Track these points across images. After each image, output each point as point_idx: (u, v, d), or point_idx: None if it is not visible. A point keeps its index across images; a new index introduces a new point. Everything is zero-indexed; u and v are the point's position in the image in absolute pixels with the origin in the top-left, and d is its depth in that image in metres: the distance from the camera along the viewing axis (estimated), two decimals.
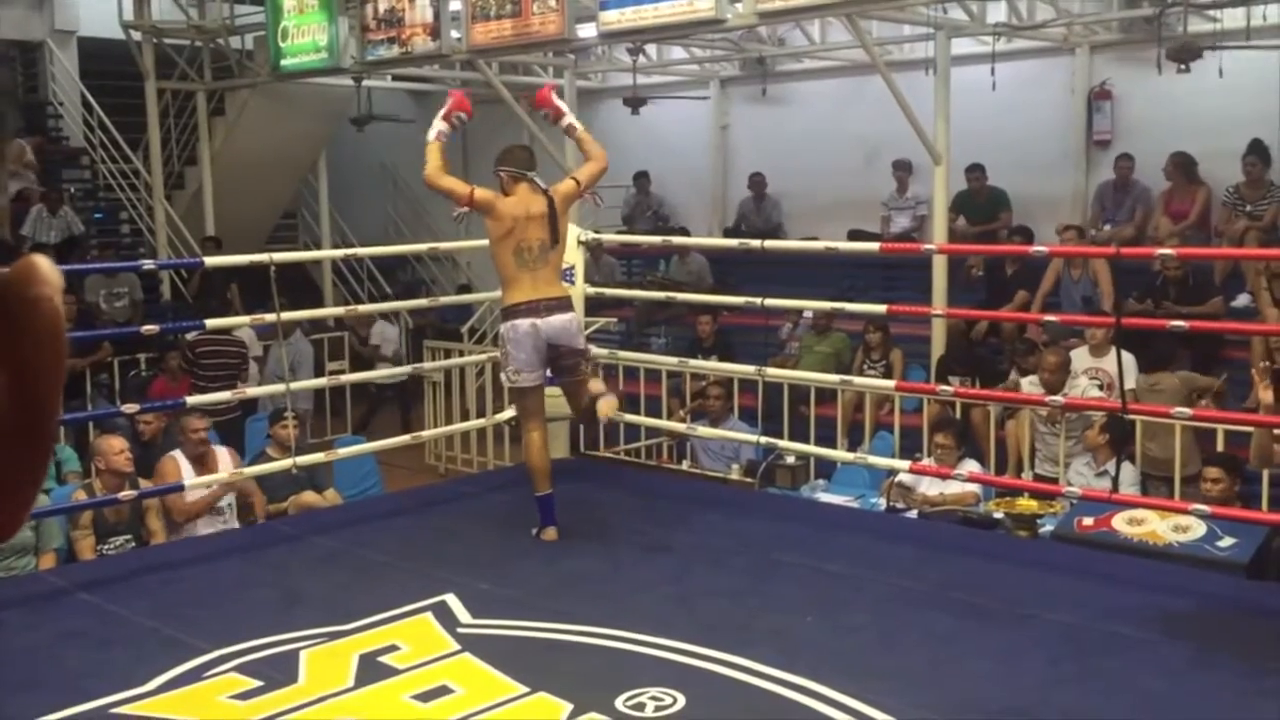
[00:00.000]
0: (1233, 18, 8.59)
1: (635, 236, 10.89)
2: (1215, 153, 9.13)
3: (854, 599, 4.34)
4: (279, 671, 3.71)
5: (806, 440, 7.15)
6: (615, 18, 8.27)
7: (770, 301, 6.11)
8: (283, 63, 10.69)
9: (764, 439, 6.25)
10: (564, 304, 5.01)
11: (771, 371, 6.75)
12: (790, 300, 7.13)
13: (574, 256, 6.06)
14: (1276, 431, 4.72)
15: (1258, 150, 8.78)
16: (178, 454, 6.07)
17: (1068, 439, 6.93)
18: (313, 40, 10.32)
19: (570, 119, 5.36)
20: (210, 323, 5.65)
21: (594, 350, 6.34)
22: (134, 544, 5.74)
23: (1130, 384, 6.93)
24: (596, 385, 5.06)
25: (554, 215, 4.93)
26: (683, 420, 7.90)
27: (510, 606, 4.22)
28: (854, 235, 10.62)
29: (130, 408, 5.21)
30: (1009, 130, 10.00)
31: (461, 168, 14.75)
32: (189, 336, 8.82)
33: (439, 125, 5.13)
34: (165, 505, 5.91)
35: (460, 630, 4.02)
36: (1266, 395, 4.36)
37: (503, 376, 5.17)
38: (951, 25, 8.85)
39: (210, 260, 6.23)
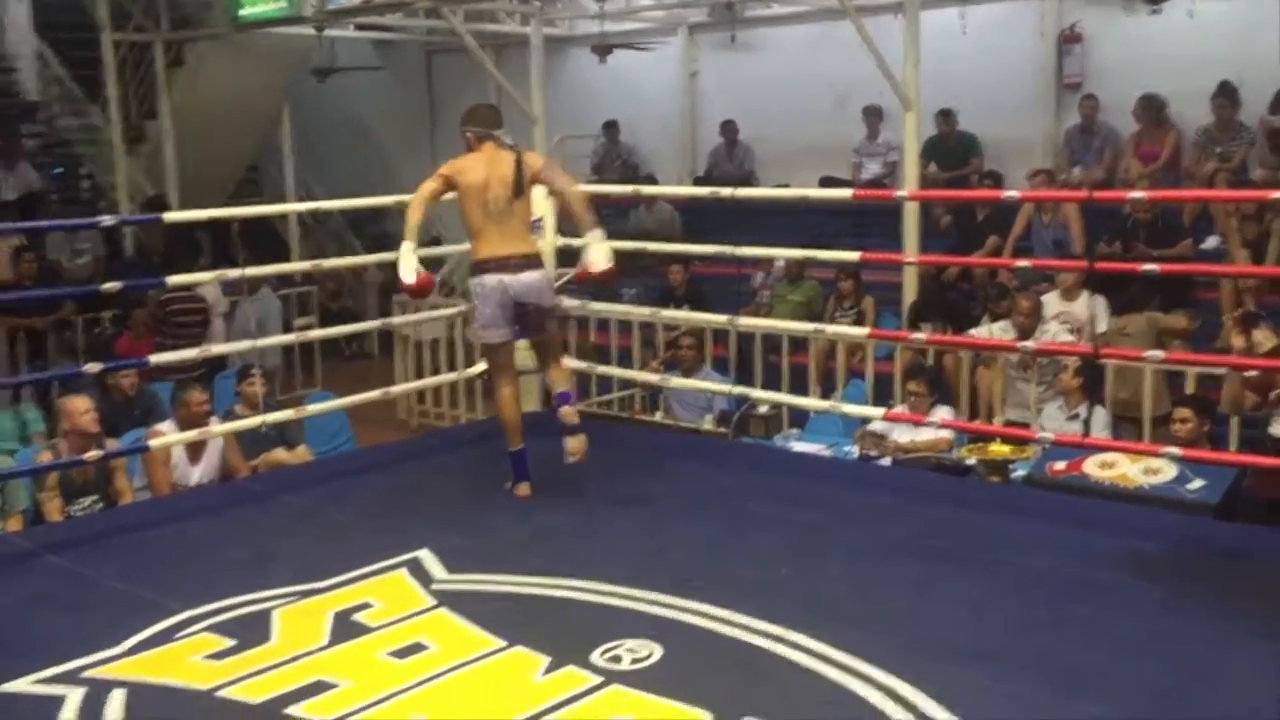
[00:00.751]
0: None
1: (605, 187, 10.78)
2: (1185, 94, 9.11)
3: (828, 548, 4.35)
4: (252, 631, 3.68)
5: (779, 389, 7.14)
6: None
7: (742, 250, 6.06)
8: (241, 12, 10.46)
9: (737, 389, 6.23)
10: (533, 261, 4.94)
11: (744, 321, 6.73)
12: (762, 249, 7.08)
13: (543, 208, 5.98)
14: (1248, 376, 4.73)
15: (1226, 92, 8.77)
16: (168, 427, 5.94)
17: (1039, 384, 6.95)
18: None
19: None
20: (171, 279, 5.54)
21: (566, 302, 6.29)
22: (102, 505, 5.68)
23: (1102, 327, 6.95)
24: (569, 416, 4.90)
25: (519, 172, 4.84)
26: (655, 371, 7.88)
27: (485, 561, 4.20)
28: (825, 182, 10.56)
29: (94, 367, 5.12)
30: (979, 75, 9.95)
31: (429, 118, 14.61)
32: (160, 295, 8.71)
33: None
34: (149, 481, 5.85)
35: (435, 586, 3.99)
36: (1240, 341, 4.37)
37: (470, 332, 5.12)
38: None
39: (169, 216, 6.10)
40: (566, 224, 7.13)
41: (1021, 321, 7.14)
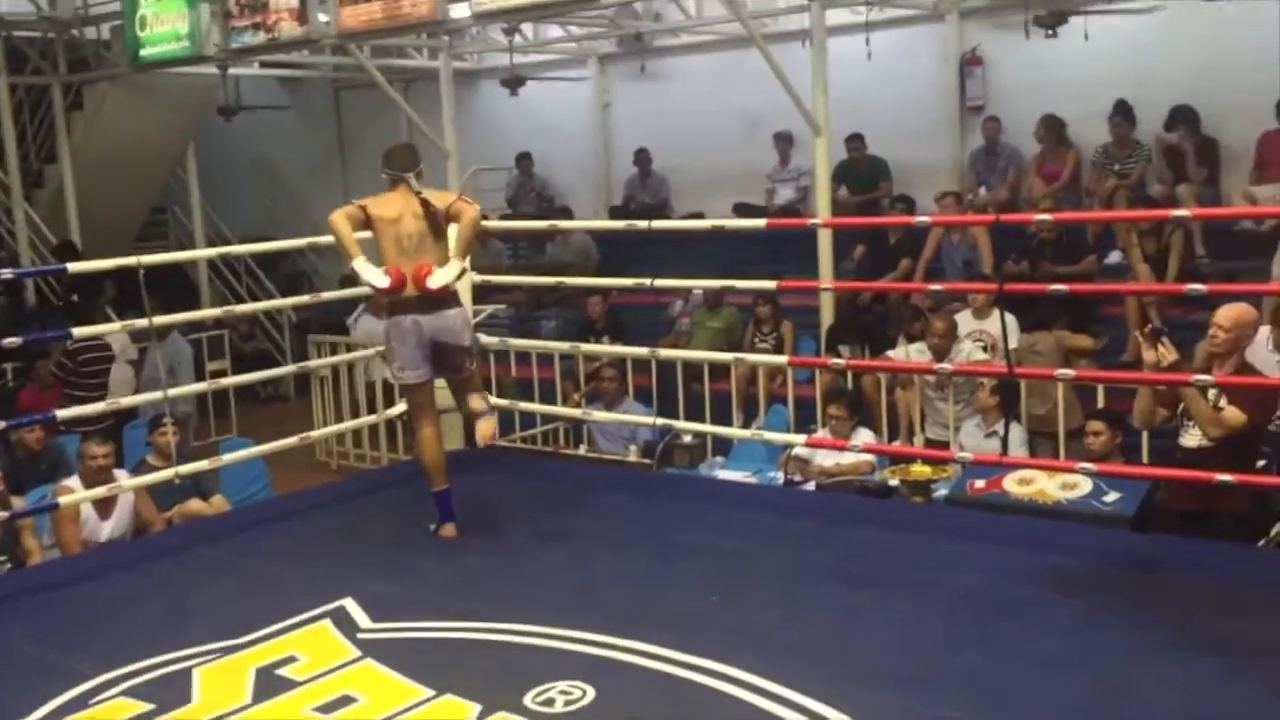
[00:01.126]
0: None
1: (520, 222, 10.77)
2: (1083, 115, 9.38)
3: (756, 576, 4.36)
4: (171, 692, 3.57)
5: (702, 418, 7.15)
6: None
7: (660, 282, 6.08)
8: (142, 53, 10.26)
9: (660, 420, 6.23)
10: (449, 300, 4.89)
11: (665, 352, 6.74)
12: (679, 280, 7.11)
13: None
14: (1158, 390, 4.85)
15: (1122, 110, 9.04)
16: (75, 483, 5.76)
17: (956, 403, 7.06)
18: (173, 29, 9.91)
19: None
20: (77, 331, 5.39)
21: (485, 339, 6.24)
22: (10, 565, 5.48)
23: (1014, 344, 7.09)
24: (476, 403, 4.90)
25: (430, 213, 4.80)
26: (577, 404, 7.85)
27: (411, 607, 4.13)
28: (739, 208, 10.66)
29: None
30: (886, 99, 10.13)
31: (339, 155, 14.47)
32: (68, 345, 8.46)
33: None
34: (58, 540, 5.66)
35: (360, 636, 3.91)
36: (1151, 355, 4.47)
37: (388, 372, 5.06)
38: None
39: (74, 266, 5.94)
40: (483, 259, 7.12)
41: (936, 343, 7.26)
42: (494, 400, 6.10)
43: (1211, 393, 4.54)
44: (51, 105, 12.06)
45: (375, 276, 4.78)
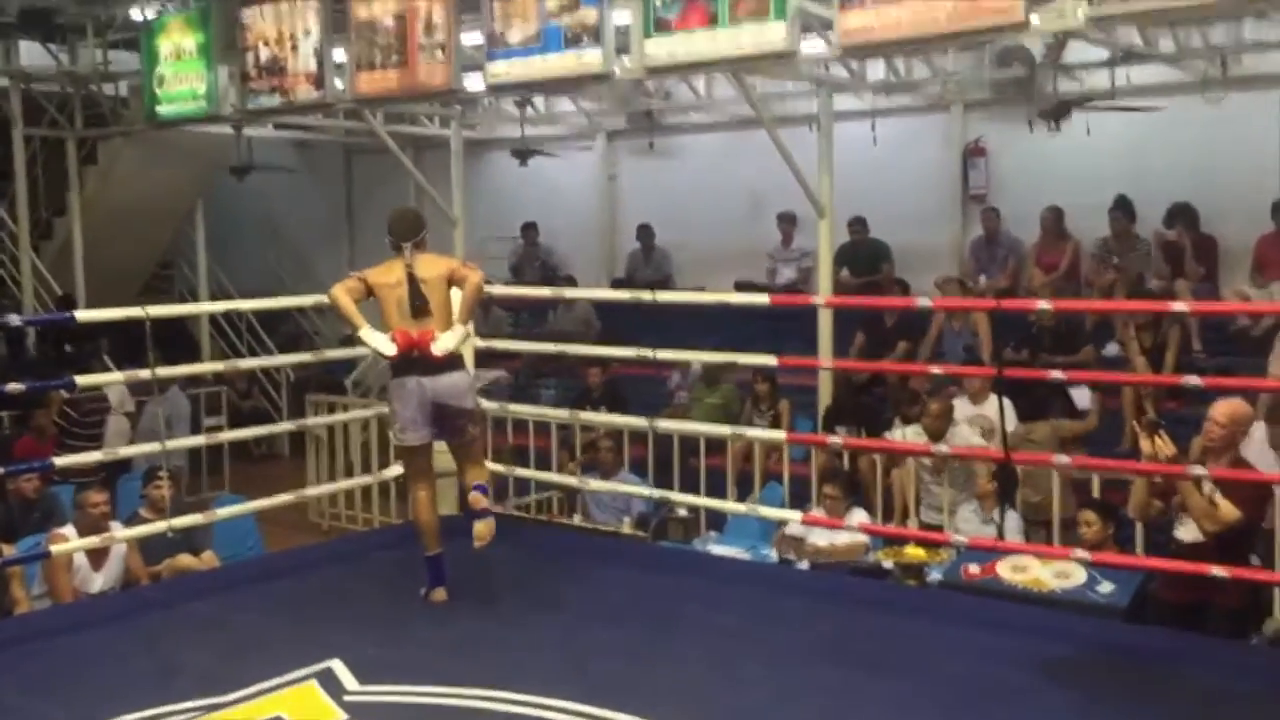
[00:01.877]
0: (1098, 79, 8.98)
1: (525, 289, 10.85)
2: (1083, 207, 9.50)
3: (748, 653, 4.33)
4: None
5: (697, 492, 7.14)
6: (503, 69, 8.25)
7: (662, 353, 6.11)
8: (159, 110, 10.40)
9: (656, 492, 6.23)
10: (452, 363, 4.92)
11: (663, 424, 6.75)
12: (680, 352, 7.15)
13: None
14: (1154, 482, 4.87)
15: (1122, 205, 9.16)
16: (70, 531, 5.74)
17: (951, 487, 7.05)
18: (190, 88, 10.07)
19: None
20: (81, 380, 5.41)
21: (485, 404, 6.26)
22: None
23: (1010, 429, 7.10)
24: (477, 499, 4.86)
25: (415, 289, 4.83)
26: (573, 473, 7.84)
27: (399, 671, 4.10)
28: (740, 286, 10.74)
29: None
30: (889, 184, 10.26)
31: (347, 218, 14.62)
32: (67, 395, 8.49)
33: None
34: (50, 587, 5.63)
35: (347, 698, 3.88)
36: (1148, 446, 4.50)
37: (390, 433, 5.08)
38: (833, 82, 9.06)
39: (82, 315, 5.98)
40: (484, 327, 7.18)
41: (931, 424, 7.28)
42: (490, 466, 6.12)
43: (1206, 487, 4.56)
44: (65, 158, 12.19)
45: (382, 344, 4.83)
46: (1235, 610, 4.57)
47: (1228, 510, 4.52)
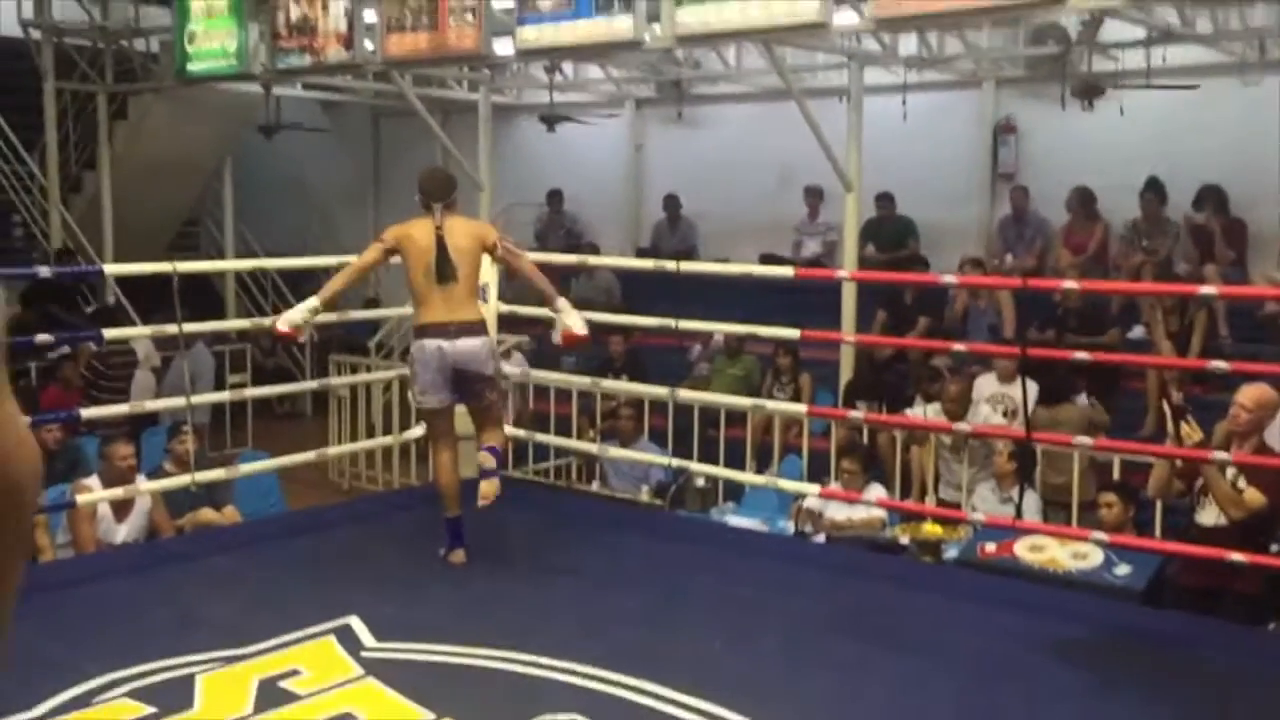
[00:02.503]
0: (1133, 59, 8.87)
1: (550, 255, 10.84)
2: (1113, 188, 9.41)
3: (762, 624, 4.35)
4: (173, 697, 3.58)
5: (716, 463, 7.16)
6: (533, 35, 8.23)
7: (684, 323, 6.11)
8: (189, 67, 10.42)
9: (675, 461, 6.24)
10: (474, 328, 4.93)
11: (684, 394, 6.76)
12: (702, 322, 7.14)
13: (488, 275, 5.99)
14: (1177, 464, 4.85)
15: (1154, 187, 9.07)
16: (94, 482, 5.81)
17: (971, 466, 7.04)
18: (221, 46, 10.08)
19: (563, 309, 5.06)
20: (109, 333, 5.46)
21: (507, 369, 6.28)
22: None
23: (1033, 410, 7.08)
24: (484, 459, 4.90)
25: (443, 251, 4.84)
26: (593, 440, 7.86)
27: (416, 630, 4.14)
28: (765, 258, 10.70)
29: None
30: (918, 160, 10.19)
31: (373, 180, 14.62)
32: (94, 348, 8.56)
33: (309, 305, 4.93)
34: (74, 537, 5.70)
35: (364, 654, 3.92)
36: (1174, 430, 4.49)
37: (409, 395, 5.11)
38: (864, 55, 8.99)
39: (110, 269, 6.03)
40: (512, 290, 7.18)
41: (951, 407, 7.26)
42: (510, 430, 6.15)
43: (1230, 472, 4.54)
44: (95, 112, 12.24)
45: (286, 319, 4.86)
46: (1253, 597, 4.56)
47: (1253, 497, 4.50)
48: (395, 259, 4.98)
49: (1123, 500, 5.65)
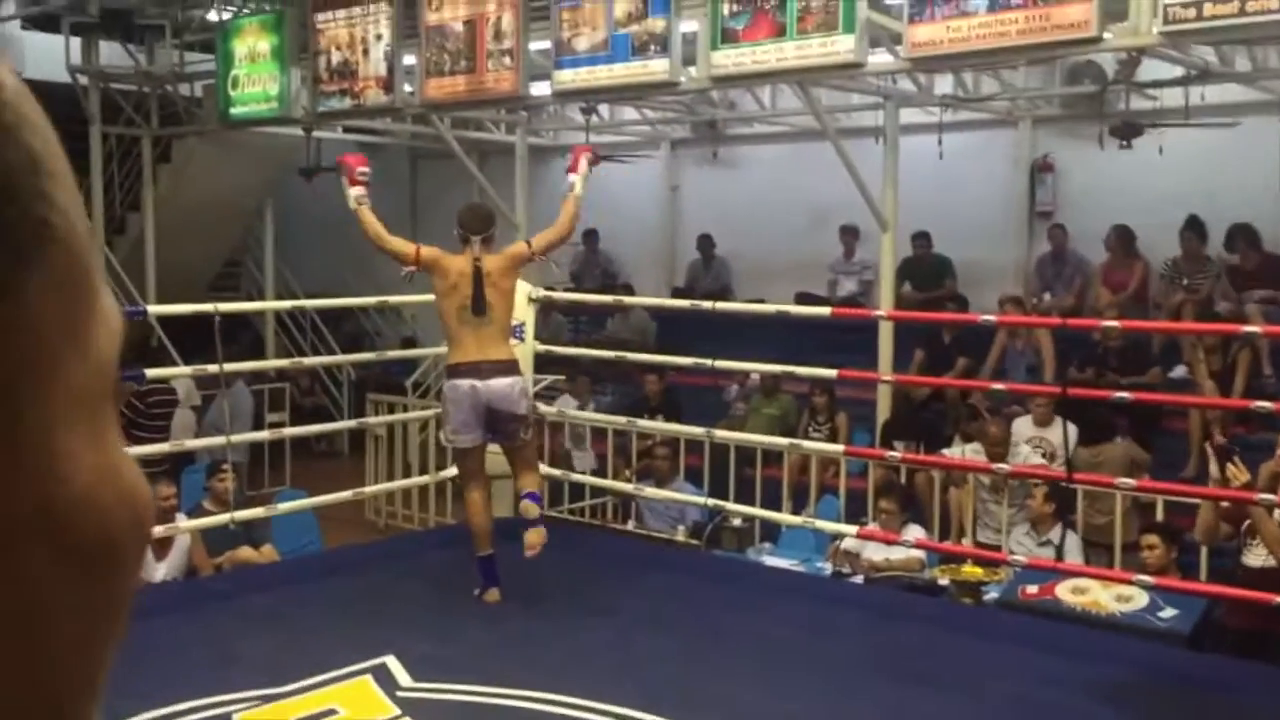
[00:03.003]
0: (1172, 97, 8.84)
1: (585, 295, 10.89)
2: (1153, 227, 9.34)
3: (800, 665, 4.31)
4: None
5: (752, 503, 7.12)
6: (570, 77, 8.32)
7: (721, 363, 6.11)
8: (232, 111, 10.61)
9: (710, 501, 6.22)
10: (507, 367, 4.93)
11: (720, 433, 6.74)
12: (738, 362, 7.14)
13: (524, 314, 6.02)
14: (1223, 506, 4.78)
15: (1194, 226, 8.98)
16: None
17: (1010, 507, 6.97)
18: (263, 90, 10.27)
19: (575, 180, 5.35)
20: (151, 373, 5.52)
21: (543, 408, 6.29)
22: None
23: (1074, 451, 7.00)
24: (528, 508, 4.93)
25: (479, 283, 4.87)
26: (629, 480, 7.85)
27: (452, 669, 4.13)
28: (801, 298, 10.69)
29: None
30: (954, 199, 10.17)
31: (410, 220, 14.76)
32: (138, 387, 8.66)
33: (354, 191, 5.12)
34: None
35: (400, 694, 3.92)
36: (1218, 472, 4.43)
37: (441, 435, 5.12)
38: (900, 95, 9.01)
39: (154, 309, 6.11)
40: (544, 331, 7.21)
41: (991, 450, 7.19)
42: (545, 469, 6.15)
43: (1278, 513, 4.46)
44: (140, 156, 12.47)
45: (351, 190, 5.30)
46: None
47: None
48: (407, 270, 5.01)
49: (1165, 542, 5.56)
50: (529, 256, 5.04)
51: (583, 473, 7.54)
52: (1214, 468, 4.46)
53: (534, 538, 4.84)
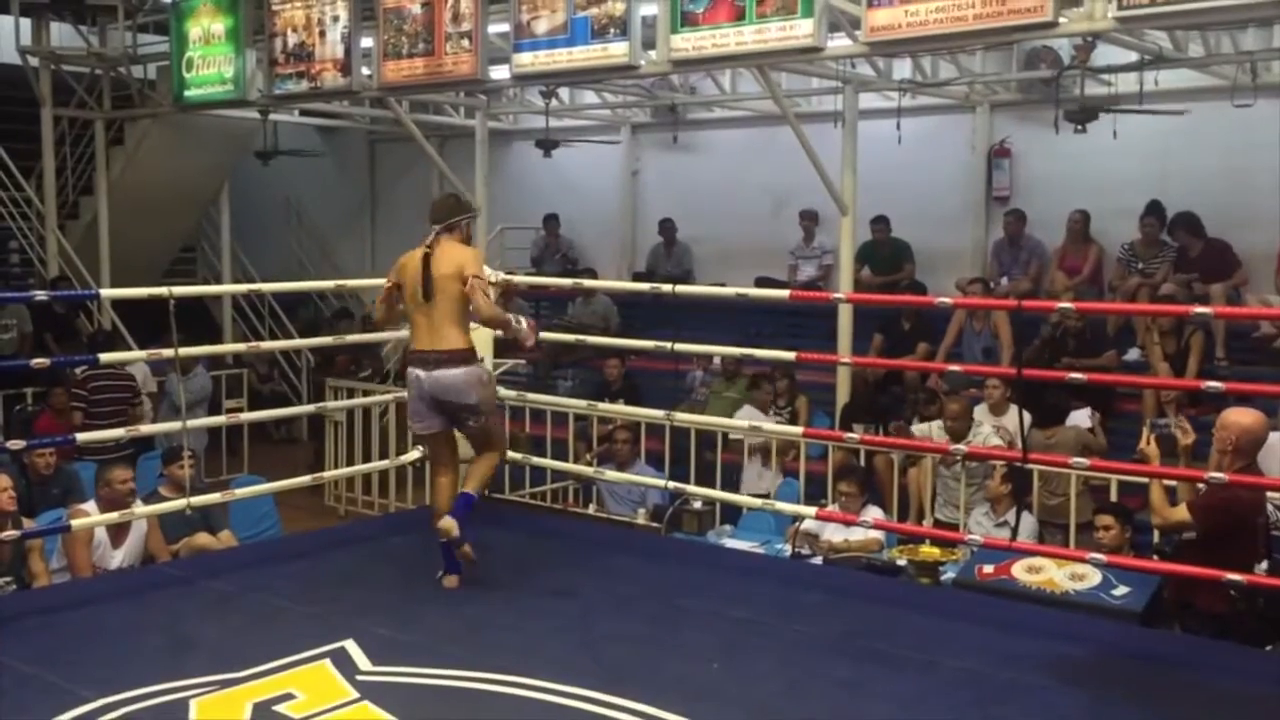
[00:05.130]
0: (1126, 82, 8.93)
1: (547, 278, 10.87)
2: (1107, 211, 9.46)
3: (759, 646, 4.33)
4: None
5: (713, 485, 7.16)
6: (529, 60, 8.29)
7: (680, 346, 6.11)
8: (186, 93, 10.48)
9: (671, 484, 6.24)
10: (455, 357, 4.83)
11: (680, 416, 6.76)
12: (699, 346, 7.16)
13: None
14: (1169, 485, 4.87)
15: (1156, 211, 9.08)
16: (91, 507, 5.80)
17: (968, 485, 7.04)
18: (218, 72, 10.15)
19: (513, 319, 5.07)
20: (104, 357, 5.46)
21: (501, 392, 6.27)
22: (15, 586, 5.49)
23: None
24: (446, 528, 4.77)
25: (427, 269, 4.82)
26: (589, 464, 7.86)
27: (412, 653, 4.12)
28: (761, 282, 10.73)
29: (16, 444, 5.00)
30: (913, 184, 10.24)
31: (369, 204, 14.67)
32: (79, 371, 8.56)
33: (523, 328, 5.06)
34: (70, 562, 5.68)
35: (360, 678, 3.90)
36: (1144, 445, 4.59)
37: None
38: (859, 80, 9.05)
39: (107, 292, 6.03)
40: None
41: (952, 426, 7.27)
42: (509, 454, 6.14)
43: (1201, 487, 4.61)
44: (93, 139, 12.28)
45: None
46: (1219, 615, 4.57)
47: (1174, 512, 4.66)
48: (383, 262, 4.98)
49: (1119, 523, 5.66)
50: (463, 279, 4.83)
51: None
52: (1141, 444, 4.66)
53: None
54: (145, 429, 6.35)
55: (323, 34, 9.36)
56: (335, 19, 9.26)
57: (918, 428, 7.75)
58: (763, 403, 8.89)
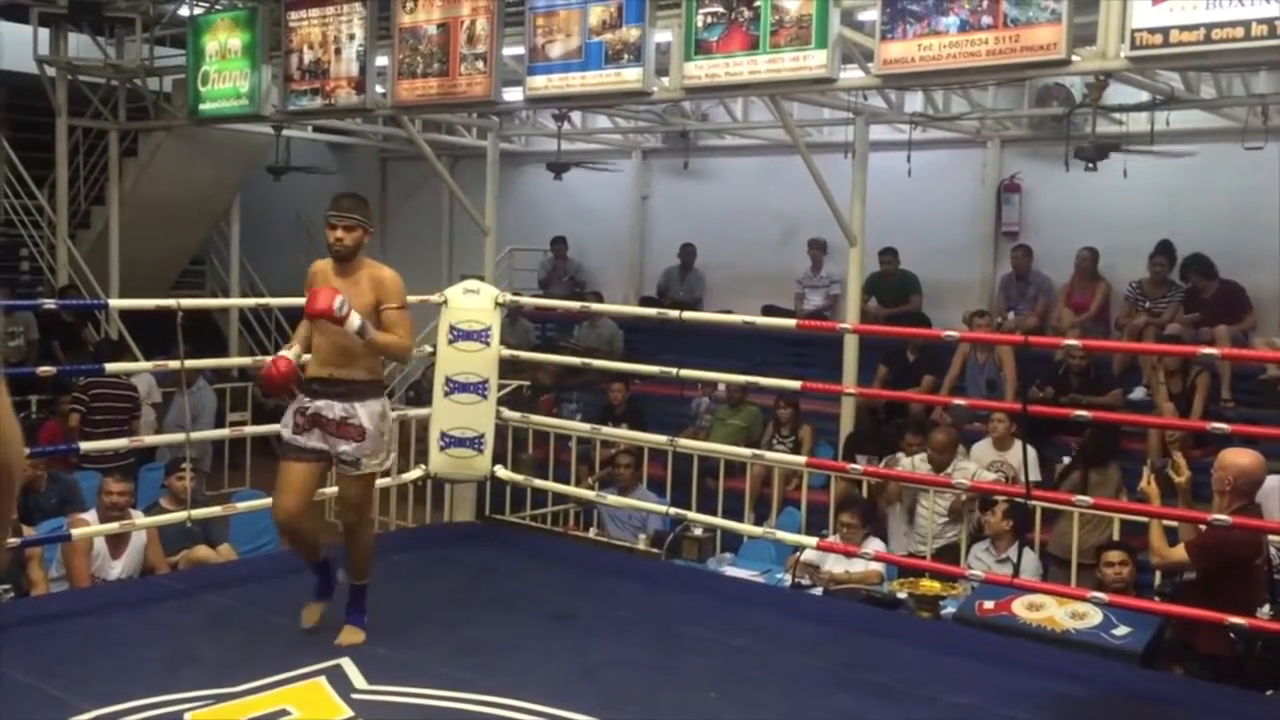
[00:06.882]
0: (1137, 122, 8.96)
1: (553, 301, 10.89)
2: (1115, 249, 9.46)
3: (758, 675, 4.31)
4: None
5: (714, 513, 7.13)
6: (542, 83, 8.33)
7: (685, 372, 6.11)
8: (201, 107, 10.55)
9: (672, 510, 6.23)
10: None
11: (683, 442, 6.75)
12: (703, 372, 7.16)
13: (491, 318, 6.00)
14: (1169, 525, 4.86)
15: (1166, 251, 9.06)
16: (91, 517, 5.80)
17: (956, 524, 7.03)
18: (234, 86, 10.21)
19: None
20: (110, 367, 5.46)
21: (505, 413, 6.27)
22: (13, 594, 5.48)
23: (1034, 475, 7.06)
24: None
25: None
26: (591, 487, 7.85)
27: (408, 672, 4.10)
28: (768, 311, 10.72)
29: None
30: (922, 216, 10.25)
31: (380, 223, 14.67)
32: (80, 379, 8.57)
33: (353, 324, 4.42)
34: (68, 571, 5.68)
35: (355, 696, 3.89)
36: (1148, 488, 4.59)
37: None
38: (870, 112, 9.08)
39: (115, 303, 6.05)
40: (511, 337, 7.18)
41: (935, 456, 7.28)
42: (510, 475, 6.13)
43: (1202, 528, 4.60)
44: (106, 149, 12.34)
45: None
46: (1218, 657, 4.54)
47: (1172, 552, 4.66)
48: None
49: (1131, 559, 5.64)
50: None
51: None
52: (1142, 483, 4.67)
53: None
54: (148, 440, 6.34)
55: (338, 51, 9.43)
56: (351, 37, 9.32)
57: (903, 460, 7.74)
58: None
